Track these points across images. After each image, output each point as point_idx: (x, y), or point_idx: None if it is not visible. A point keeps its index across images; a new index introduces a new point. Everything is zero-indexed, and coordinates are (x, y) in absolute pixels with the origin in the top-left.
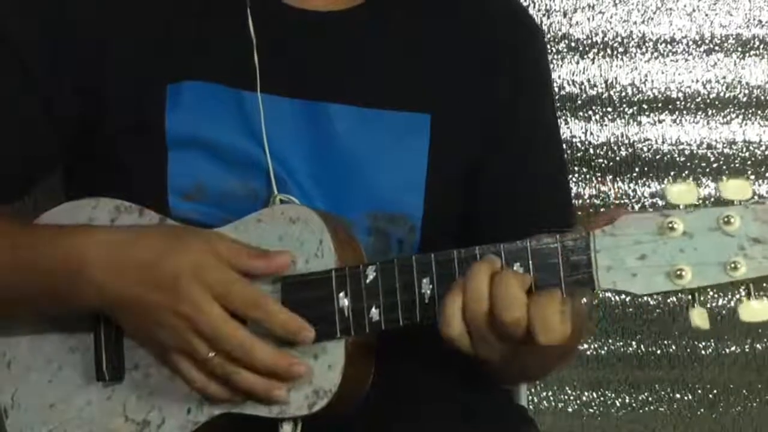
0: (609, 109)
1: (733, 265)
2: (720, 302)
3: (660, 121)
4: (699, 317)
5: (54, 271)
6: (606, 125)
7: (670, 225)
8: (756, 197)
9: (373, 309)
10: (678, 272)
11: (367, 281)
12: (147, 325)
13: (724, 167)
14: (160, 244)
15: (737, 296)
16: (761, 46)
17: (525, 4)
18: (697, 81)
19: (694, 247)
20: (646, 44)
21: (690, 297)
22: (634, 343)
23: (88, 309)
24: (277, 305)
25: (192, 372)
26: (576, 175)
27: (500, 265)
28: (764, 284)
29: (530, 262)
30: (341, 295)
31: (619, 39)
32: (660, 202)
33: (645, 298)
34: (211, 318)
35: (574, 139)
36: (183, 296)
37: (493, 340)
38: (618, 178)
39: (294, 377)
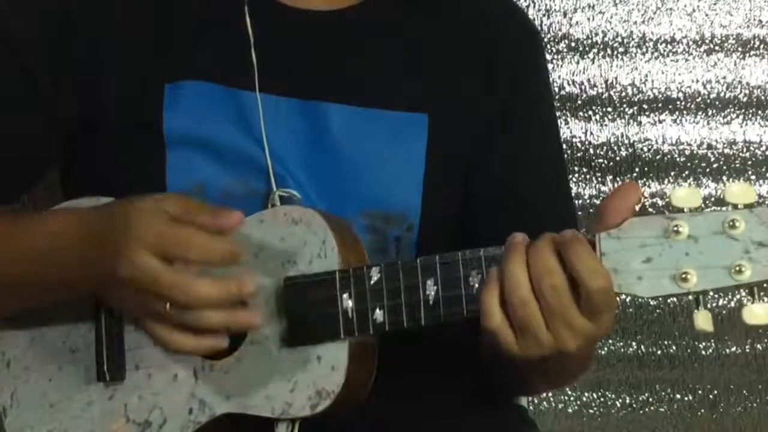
0: (609, 109)
1: (737, 269)
2: (720, 302)
3: (660, 121)
4: (703, 320)
5: (42, 259)
6: (606, 125)
7: (676, 228)
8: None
9: (377, 310)
10: (683, 275)
11: (371, 282)
12: (118, 296)
13: (725, 167)
14: (108, 213)
15: (738, 296)
16: (761, 46)
17: (525, 4)
18: (698, 81)
19: (700, 251)
20: (646, 44)
21: (694, 300)
22: (634, 343)
23: (86, 293)
24: (203, 236)
25: (165, 334)
26: (576, 175)
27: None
28: None
29: None
30: (345, 296)
31: (619, 39)
32: (660, 202)
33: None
34: (147, 272)
35: (574, 139)
36: (121, 260)
37: (543, 331)
38: (618, 178)
39: (247, 294)
